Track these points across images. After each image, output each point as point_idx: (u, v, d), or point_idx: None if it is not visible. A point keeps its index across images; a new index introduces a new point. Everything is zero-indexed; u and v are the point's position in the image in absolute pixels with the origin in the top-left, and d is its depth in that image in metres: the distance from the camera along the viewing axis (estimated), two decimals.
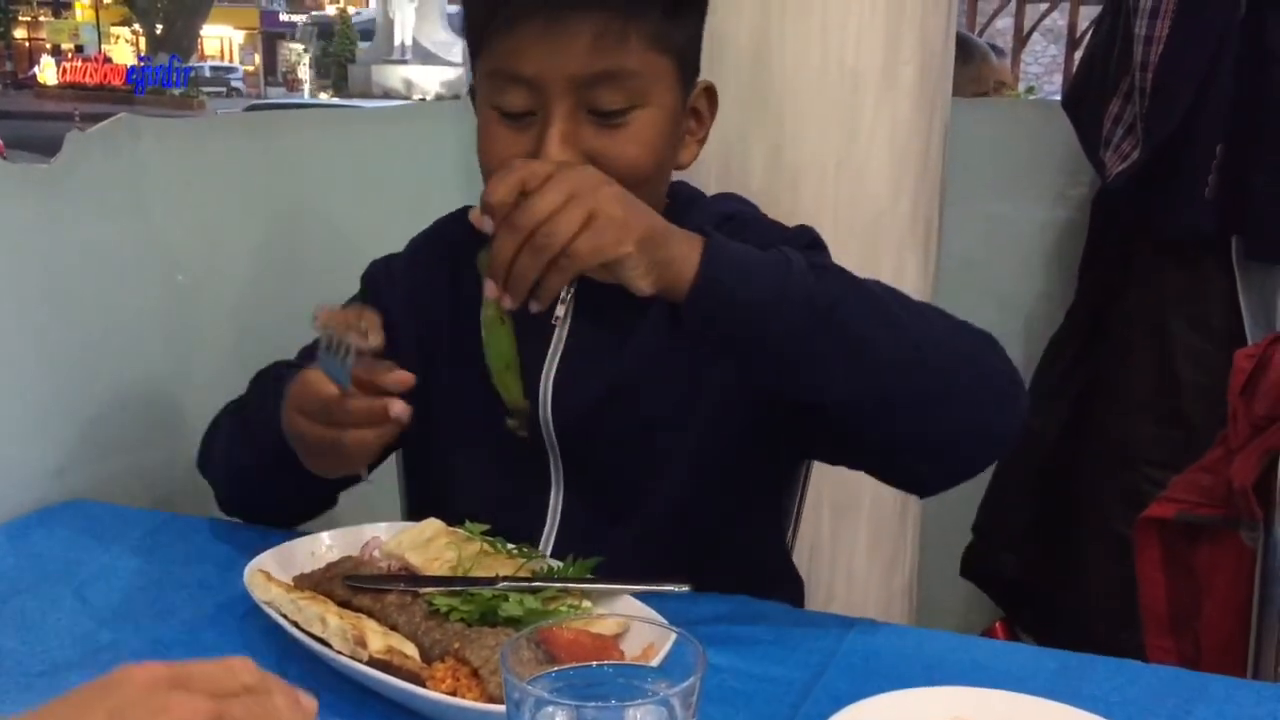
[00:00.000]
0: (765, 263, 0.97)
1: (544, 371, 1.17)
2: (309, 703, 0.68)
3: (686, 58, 1.15)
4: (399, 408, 1.00)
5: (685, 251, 0.95)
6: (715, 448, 1.16)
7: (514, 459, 1.19)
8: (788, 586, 1.30)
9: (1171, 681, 0.94)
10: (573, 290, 1.10)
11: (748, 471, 1.19)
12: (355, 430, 1.01)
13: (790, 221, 1.34)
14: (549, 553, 1.14)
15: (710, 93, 1.21)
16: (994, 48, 3.72)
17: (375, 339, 0.99)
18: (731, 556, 1.18)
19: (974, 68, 3.16)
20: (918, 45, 1.76)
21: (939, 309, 1.05)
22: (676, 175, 1.24)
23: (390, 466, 1.35)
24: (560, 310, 1.16)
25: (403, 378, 1.02)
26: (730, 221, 1.22)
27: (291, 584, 1.00)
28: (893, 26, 1.72)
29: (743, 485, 1.20)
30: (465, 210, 1.29)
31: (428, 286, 1.26)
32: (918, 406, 1.00)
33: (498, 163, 1.10)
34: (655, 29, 1.09)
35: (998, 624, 2.22)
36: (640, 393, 1.15)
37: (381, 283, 1.30)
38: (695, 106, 1.19)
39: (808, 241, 1.20)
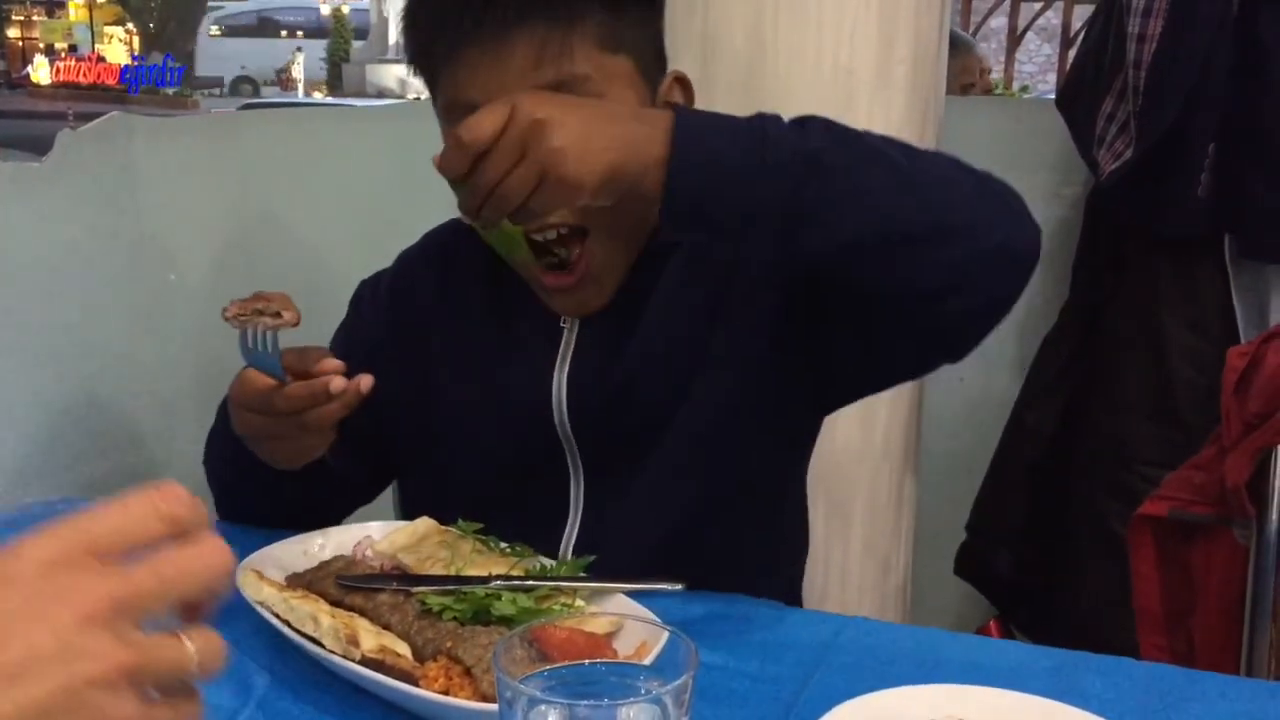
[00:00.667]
0: (738, 131, 0.94)
1: (555, 371, 1.17)
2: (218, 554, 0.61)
3: (644, 53, 1.13)
4: (339, 383, 1.00)
5: (652, 155, 0.92)
6: (731, 430, 1.15)
7: (526, 461, 1.19)
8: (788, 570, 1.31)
9: (1164, 679, 0.94)
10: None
11: (762, 453, 1.18)
12: (306, 414, 1.02)
13: None
14: (571, 550, 1.14)
15: (683, 82, 1.19)
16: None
17: (289, 315, 0.98)
18: (746, 550, 1.18)
19: (959, 60, 3.17)
20: (911, 44, 1.76)
21: (936, 151, 1.02)
22: None
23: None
24: None
25: (335, 364, 1.02)
26: None
27: (284, 583, 1.00)
28: (886, 25, 1.72)
29: (756, 472, 1.19)
30: (453, 222, 1.30)
31: (417, 300, 1.26)
32: (928, 237, 0.96)
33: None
34: (600, 30, 1.08)
35: (992, 622, 2.22)
36: (653, 384, 1.15)
37: (364, 303, 1.30)
38: (668, 100, 1.17)
39: None
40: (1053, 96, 2.30)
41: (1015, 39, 15.51)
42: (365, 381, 1.03)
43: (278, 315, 0.97)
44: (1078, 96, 2.00)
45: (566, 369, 1.17)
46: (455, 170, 0.93)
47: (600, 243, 1.11)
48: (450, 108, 1.10)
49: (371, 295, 1.31)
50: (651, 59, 1.15)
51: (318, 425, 1.04)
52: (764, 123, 0.95)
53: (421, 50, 1.12)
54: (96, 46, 35.56)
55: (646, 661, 0.81)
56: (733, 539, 1.18)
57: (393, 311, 1.27)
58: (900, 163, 0.97)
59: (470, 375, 1.21)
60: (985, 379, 2.35)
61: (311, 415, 1.03)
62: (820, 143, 0.94)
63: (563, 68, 1.06)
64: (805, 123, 0.97)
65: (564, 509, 1.18)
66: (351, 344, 1.30)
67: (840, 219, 0.95)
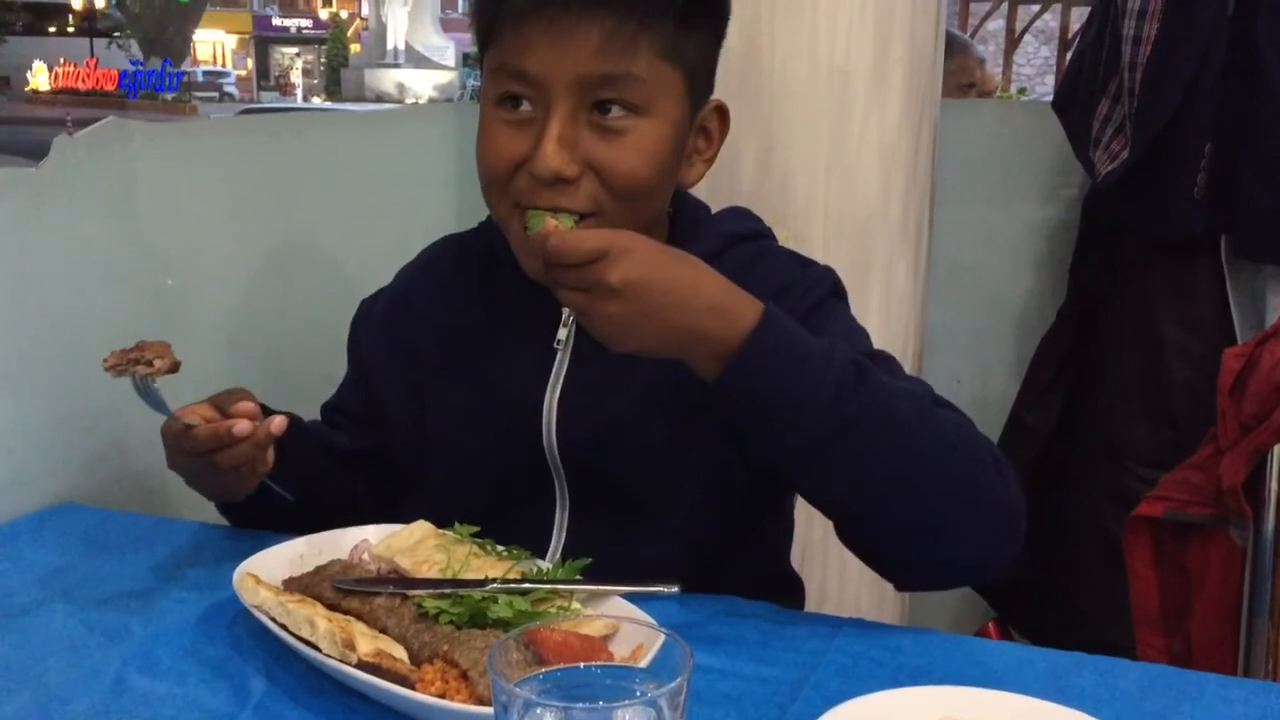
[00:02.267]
0: (800, 372, 0.96)
1: (547, 396, 1.16)
2: None
3: (697, 74, 1.12)
4: (243, 426, 1.04)
5: (713, 353, 0.96)
6: (719, 471, 1.14)
7: (514, 483, 1.18)
8: (792, 593, 1.30)
9: (1160, 680, 0.94)
10: (575, 315, 1.11)
11: (750, 492, 1.17)
12: (216, 455, 1.06)
13: (779, 225, 1.34)
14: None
15: (722, 112, 1.18)
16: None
17: (161, 363, 1.02)
18: (736, 573, 1.16)
19: (956, 60, 3.18)
20: (907, 46, 1.76)
21: (961, 419, 1.04)
22: None
23: None
24: (562, 334, 1.17)
25: (246, 408, 1.06)
26: (742, 243, 1.20)
27: (281, 587, 1.00)
28: (882, 28, 1.73)
29: (746, 505, 1.19)
30: (448, 240, 1.30)
31: (414, 318, 1.26)
32: (909, 534, 1.01)
33: (494, 159, 1.09)
34: (667, 39, 1.07)
35: (990, 624, 2.22)
36: (645, 416, 1.14)
37: (360, 325, 1.31)
38: (705, 125, 1.17)
39: (828, 289, 1.18)
40: (1050, 98, 2.31)
41: (1013, 41, 15.56)
42: (277, 423, 1.07)
43: (151, 364, 1.01)
44: (1073, 99, 2.01)
45: (558, 394, 1.16)
46: (534, 267, 1.01)
47: (602, 225, 1.09)
48: (499, 71, 1.09)
49: (369, 314, 1.31)
50: (702, 80, 1.14)
51: (229, 465, 1.07)
52: (825, 373, 0.97)
53: (488, 8, 1.10)
54: (95, 53, 35.56)
55: (642, 664, 0.81)
56: (720, 561, 1.17)
57: (390, 329, 1.27)
58: (920, 454, 0.99)
59: (462, 394, 1.21)
60: (983, 380, 2.35)
61: (221, 456, 1.06)
62: (858, 412, 0.96)
63: (622, 63, 1.05)
64: (863, 376, 0.98)
65: (546, 535, 1.17)
66: (351, 370, 1.32)
67: (846, 490, 1.00)
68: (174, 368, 1.02)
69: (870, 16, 1.71)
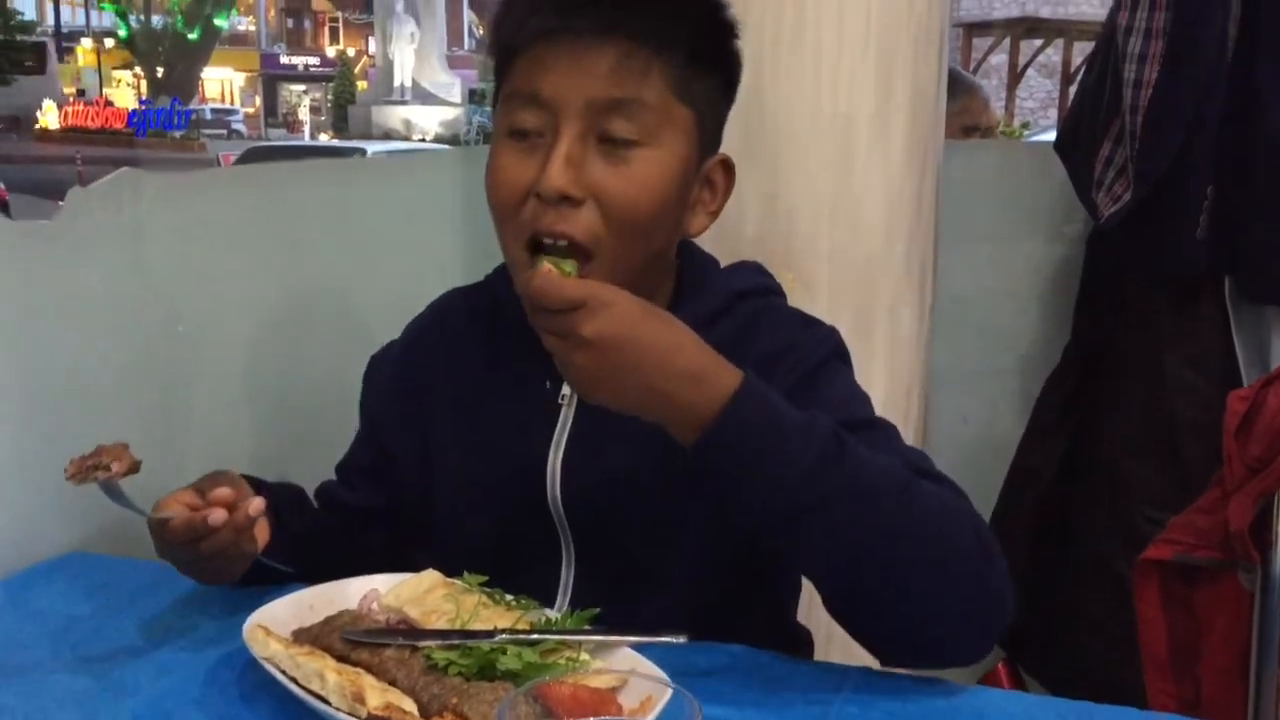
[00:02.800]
0: (777, 447, 0.95)
1: (551, 451, 1.16)
2: None
3: (705, 120, 1.13)
4: (217, 515, 1.04)
5: (689, 422, 0.96)
6: (723, 530, 1.11)
7: (519, 539, 1.18)
8: (800, 646, 1.30)
9: None
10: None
11: (755, 549, 1.13)
12: (200, 544, 1.06)
13: (783, 268, 1.34)
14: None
15: (728, 166, 1.19)
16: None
17: (117, 466, 1.04)
18: (743, 630, 1.15)
19: (961, 101, 3.20)
20: (909, 90, 1.78)
21: (949, 499, 1.02)
22: None
23: None
24: (566, 390, 1.17)
25: (221, 494, 1.06)
26: (747, 300, 1.20)
27: (290, 638, 1.00)
28: (884, 72, 1.74)
29: (751, 563, 1.17)
30: (455, 293, 1.31)
31: (421, 372, 1.27)
32: (887, 612, 1.00)
33: (503, 188, 1.10)
34: (677, 73, 1.09)
35: (1000, 665, 2.21)
36: (648, 473, 1.13)
37: (369, 381, 1.32)
38: (710, 177, 1.17)
39: (830, 350, 1.18)
40: (1054, 131, 2.32)
41: (1016, 76, 15.63)
42: (254, 505, 1.07)
43: (109, 468, 1.03)
44: (1075, 141, 2.02)
45: (562, 450, 1.16)
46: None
47: (598, 273, 1.08)
48: (512, 96, 1.10)
49: (375, 373, 1.32)
50: (710, 128, 1.15)
51: (211, 553, 1.07)
52: (804, 446, 0.95)
53: (505, 35, 1.12)
54: (104, 91, 35.92)
55: (651, 717, 0.81)
56: (726, 618, 1.15)
57: (398, 384, 1.28)
58: (898, 533, 0.97)
59: (467, 449, 1.21)
60: (989, 419, 2.36)
61: (202, 545, 1.07)
62: (835, 488, 0.95)
63: (633, 89, 1.06)
64: (843, 450, 0.97)
65: (553, 590, 1.17)
66: (362, 427, 1.33)
67: (815, 558, 1.00)
68: (133, 468, 1.04)
69: (872, 62, 1.73)
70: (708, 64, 1.13)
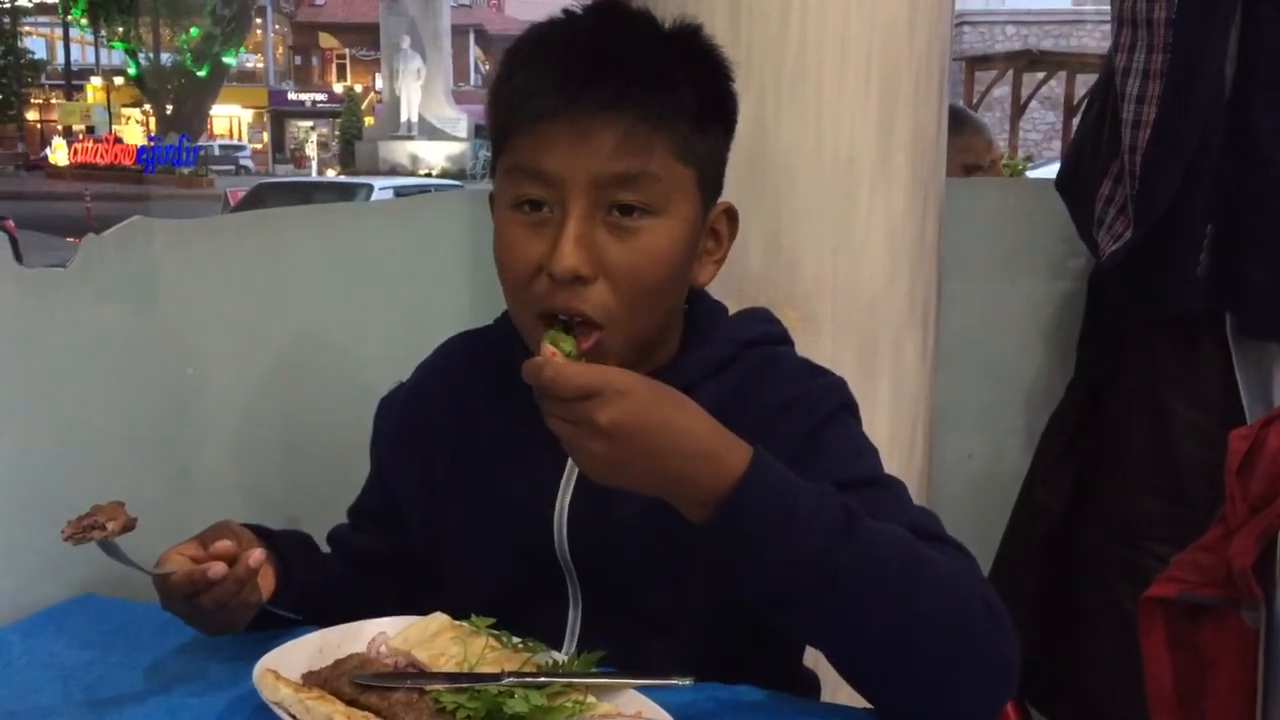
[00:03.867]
0: (790, 521, 0.96)
1: (559, 496, 1.17)
2: None
3: (708, 173, 1.14)
4: (217, 569, 1.05)
5: (700, 498, 0.96)
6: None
7: (531, 582, 1.19)
8: (808, 692, 1.30)
9: None
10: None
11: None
12: (201, 597, 1.07)
13: (787, 306, 1.36)
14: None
15: (731, 214, 1.20)
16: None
17: (113, 525, 1.05)
18: (750, 677, 1.15)
19: (964, 138, 3.23)
20: (910, 131, 1.80)
21: (956, 566, 1.03)
22: None
23: None
24: None
25: (221, 548, 1.07)
26: (750, 350, 1.21)
27: (300, 682, 1.01)
28: (885, 115, 1.77)
29: (757, 614, 1.15)
30: (463, 337, 1.32)
31: (430, 415, 1.28)
32: (895, 682, 1.01)
33: (514, 264, 1.10)
34: (682, 139, 1.09)
35: (1009, 704, 2.20)
36: (655, 522, 1.10)
37: (379, 425, 1.33)
38: (715, 227, 1.18)
39: (838, 403, 1.18)
40: (1057, 162, 2.33)
41: (1019, 108, 15.69)
42: (255, 558, 1.07)
43: (104, 527, 1.05)
44: (1075, 179, 2.04)
45: (569, 495, 1.17)
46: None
47: (611, 339, 1.10)
48: (514, 170, 1.10)
49: (385, 416, 1.33)
50: (712, 180, 1.16)
51: (213, 606, 1.08)
52: (812, 525, 0.96)
53: (503, 111, 1.12)
54: (114, 128, 36.19)
55: None
56: (733, 665, 1.15)
57: (406, 428, 1.29)
58: (907, 609, 0.98)
59: (475, 494, 1.22)
60: (994, 456, 2.36)
61: (204, 599, 1.08)
62: (844, 567, 0.96)
63: (638, 163, 1.07)
64: (852, 526, 0.97)
65: (560, 635, 1.17)
66: (373, 471, 1.34)
67: (822, 632, 1.01)
68: (128, 526, 1.06)
69: (874, 105, 1.76)
70: (709, 122, 1.14)
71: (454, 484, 1.24)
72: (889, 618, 0.97)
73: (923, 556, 1.00)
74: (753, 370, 1.18)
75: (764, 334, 1.24)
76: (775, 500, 0.96)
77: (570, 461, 1.17)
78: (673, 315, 1.19)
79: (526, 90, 1.09)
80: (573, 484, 1.17)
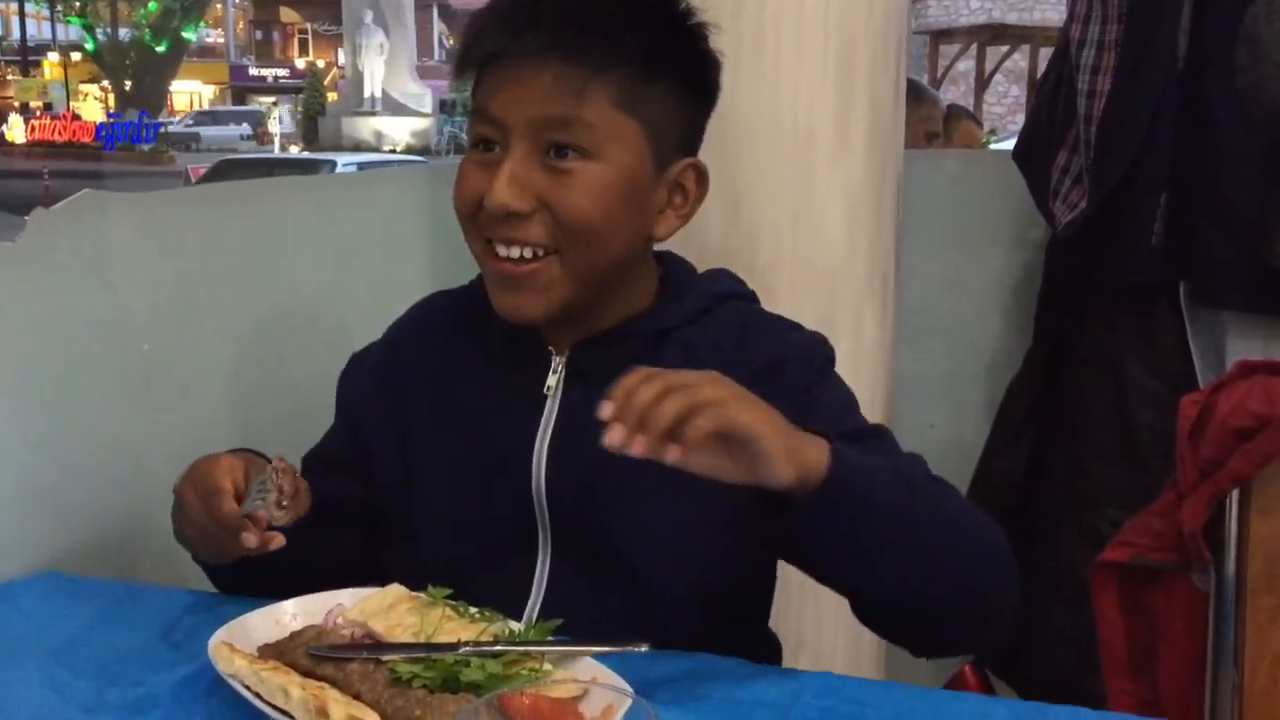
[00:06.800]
0: (881, 471, 1.05)
1: (537, 442, 1.19)
2: None
3: (660, 128, 1.17)
4: (253, 541, 1.08)
5: (815, 450, 1.01)
6: (703, 530, 1.16)
7: (498, 532, 1.20)
8: (770, 655, 1.31)
9: None
10: (565, 359, 1.17)
11: (734, 556, 1.19)
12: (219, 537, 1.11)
13: (747, 277, 1.36)
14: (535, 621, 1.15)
15: (700, 171, 1.23)
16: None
17: (282, 516, 1.10)
18: (716, 635, 1.17)
19: (924, 108, 3.26)
20: (868, 103, 1.81)
21: (970, 507, 1.16)
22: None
23: None
24: (552, 380, 1.20)
25: (270, 538, 1.10)
26: (725, 303, 1.25)
27: (256, 654, 1.01)
28: (843, 86, 1.77)
29: (729, 567, 1.20)
30: (439, 294, 1.33)
31: (403, 371, 1.28)
32: (929, 613, 1.10)
33: (461, 196, 1.17)
34: (622, 89, 1.13)
35: (967, 667, 2.23)
36: (634, 466, 1.10)
37: (350, 378, 1.33)
38: (681, 182, 1.21)
39: (825, 358, 1.25)
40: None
41: (983, 82, 15.73)
42: (276, 541, 1.10)
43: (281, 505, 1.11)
44: (1032, 150, 2.05)
45: (548, 439, 1.19)
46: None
47: (561, 265, 1.15)
48: (474, 112, 1.18)
49: (357, 369, 1.33)
50: (668, 136, 1.19)
51: (224, 552, 1.13)
52: (888, 496, 1.05)
53: (462, 52, 1.19)
54: (72, 104, 35.64)
55: None
56: (700, 621, 1.17)
57: (382, 379, 1.30)
58: (941, 546, 1.08)
59: (452, 442, 1.23)
60: (956, 425, 2.38)
61: (223, 543, 1.11)
62: (907, 524, 1.05)
63: (573, 108, 1.12)
64: (911, 489, 1.07)
65: (527, 588, 1.19)
66: (339, 421, 1.34)
67: (876, 580, 1.08)
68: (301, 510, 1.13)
69: (831, 75, 1.76)
70: (661, 74, 1.16)
71: (433, 433, 1.24)
72: (928, 556, 1.06)
73: (947, 495, 1.11)
74: (731, 324, 1.22)
75: (736, 290, 1.29)
76: (862, 471, 1.03)
77: (549, 406, 1.20)
78: (630, 263, 1.21)
79: (477, 37, 1.16)
80: (552, 427, 1.19)
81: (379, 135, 27.90)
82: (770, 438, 0.97)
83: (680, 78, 1.19)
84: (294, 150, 29.53)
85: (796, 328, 1.27)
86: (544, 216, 1.13)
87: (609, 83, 1.12)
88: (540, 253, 1.14)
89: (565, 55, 1.11)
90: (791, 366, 1.19)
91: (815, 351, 1.24)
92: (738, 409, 0.97)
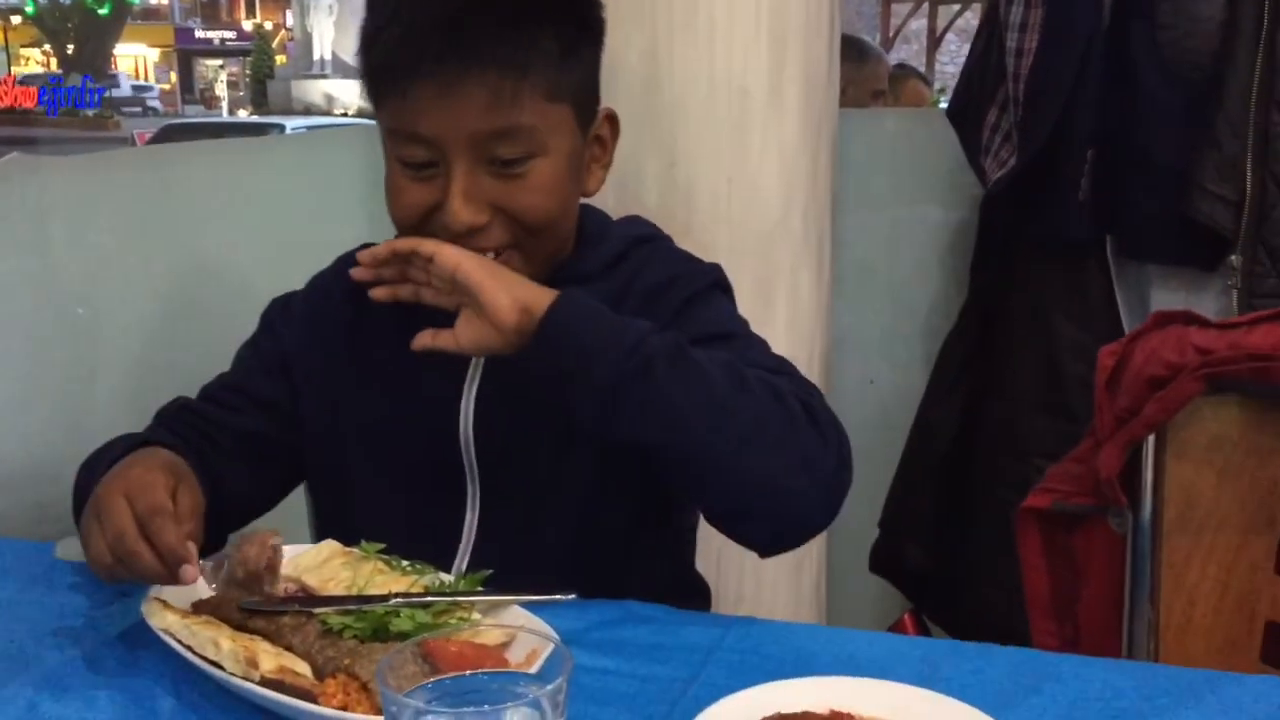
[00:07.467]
0: (606, 319, 1.06)
1: (464, 395, 1.21)
2: None
3: (583, 99, 1.19)
4: (190, 576, 1.00)
5: (540, 295, 1.06)
6: (619, 465, 1.18)
7: (427, 482, 1.22)
8: (696, 598, 1.35)
9: (1025, 663, 1.00)
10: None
11: (649, 487, 1.21)
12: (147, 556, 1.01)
13: (685, 238, 1.39)
14: (463, 572, 1.17)
15: (611, 119, 1.25)
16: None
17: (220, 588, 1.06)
18: (640, 574, 1.21)
19: (869, 67, 3.27)
20: (802, 64, 1.83)
21: (778, 382, 1.10)
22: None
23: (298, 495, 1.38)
24: None
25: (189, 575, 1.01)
26: (642, 245, 1.27)
27: (189, 610, 1.03)
28: (777, 47, 1.79)
29: (646, 500, 1.23)
30: (365, 247, 1.33)
31: (329, 320, 1.29)
32: (720, 469, 1.07)
33: (404, 209, 1.15)
34: (549, 82, 1.13)
35: (906, 615, 2.28)
36: (555, 412, 1.15)
37: (277, 320, 1.33)
38: (598, 134, 1.23)
39: (710, 281, 1.25)
40: None
41: (935, 40, 15.78)
42: (189, 574, 1.01)
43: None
44: (966, 108, 2.08)
45: (475, 390, 1.21)
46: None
47: (522, 256, 1.17)
48: (395, 133, 1.15)
49: (282, 313, 1.33)
50: (588, 102, 1.20)
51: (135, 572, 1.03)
52: (625, 326, 1.06)
53: (374, 74, 1.16)
54: (12, 69, 34.81)
55: (533, 669, 0.85)
56: (622, 558, 1.21)
57: (304, 330, 1.30)
58: (722, 412, 1.05)
59: (380, 393, 1.25)
60: (895, 379, 2.42)
61: (140, 563, 1.01)
62: (657, 351, 1.05)
63: (511, 116, 1.11)
64: (665, 333, 1.07)
65: (456, 535, 1.21)
66: (260, 360, 1.32)
67: (655, 428, 1.06)
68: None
69: (765, 37, 1.77)
70: (575, 56, 1.17)
71: (361, 385, 1.25)
72: (710, 417, 1.04)
73: (739, 365, 1.08)
74: (639, 262, 1.25)
75: (651, 233, 1.31)
76: (592, 308, 1.07)
77: (474, 361, 1.21)
78: (571, 226, 1.24)
79: (393, 51, 1.12)
80: (480, 375, 1.21)
81: (329, 98, 27.54)
82: (494, 291, 1.06)
83: (593, 44, 1.21)
84: (242, 114, 29.09)
85: (692, 258, 1.29)
86: (501, 219, 1.14)
87: (538, 81, 1.12)
88: (500, 250, 1.15)
89: (495, 66, 1.10)
90: (676, 286, 1.21)
91: (703, 275, 1.25)
92: (470, 266, 1.06)
